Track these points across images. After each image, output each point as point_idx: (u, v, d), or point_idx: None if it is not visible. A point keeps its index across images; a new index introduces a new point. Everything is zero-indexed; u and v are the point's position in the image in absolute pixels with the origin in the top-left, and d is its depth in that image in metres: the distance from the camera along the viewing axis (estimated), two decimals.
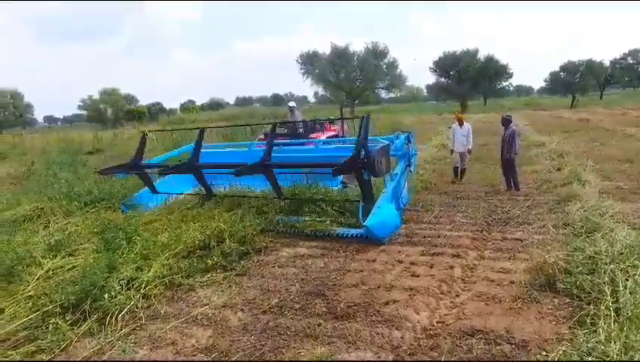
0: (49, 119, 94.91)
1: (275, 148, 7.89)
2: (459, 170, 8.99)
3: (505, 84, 53.94)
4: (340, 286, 4.27)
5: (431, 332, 3.37)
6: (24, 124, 57.21)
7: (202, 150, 7.09)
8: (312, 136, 9.86)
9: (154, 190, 7.23)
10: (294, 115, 11.33)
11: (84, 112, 60.12)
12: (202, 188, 7.02)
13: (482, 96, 55.84)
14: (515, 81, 68.48)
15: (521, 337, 3.19)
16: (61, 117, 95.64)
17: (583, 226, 5.31)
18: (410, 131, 7.18)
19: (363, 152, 5.48)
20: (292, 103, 11.99)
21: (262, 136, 10.07)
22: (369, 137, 5.88)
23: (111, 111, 57.90)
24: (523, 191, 7.87)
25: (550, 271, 3.94)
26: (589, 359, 2.70)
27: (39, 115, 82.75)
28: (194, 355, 3.24)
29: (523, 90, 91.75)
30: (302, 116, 11.77)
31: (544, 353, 2.96)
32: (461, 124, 8.80)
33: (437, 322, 3.52)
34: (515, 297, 3.82)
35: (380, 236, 5.30)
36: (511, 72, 51.17)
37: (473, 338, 3.21)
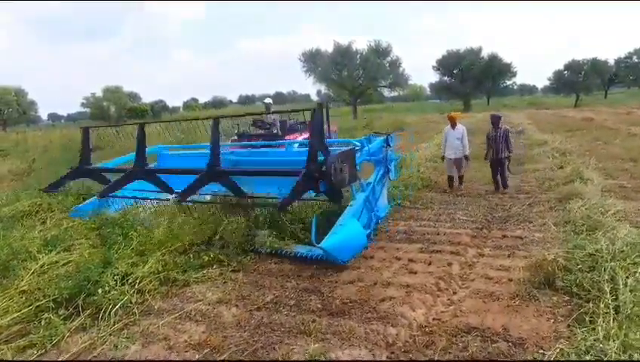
0: (53, 117, 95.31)
1: (241, 150, 7.33)
2: (453, 178, 8.02)
3: (508, 82, 53.76)
4: (336, 283, 4.23)
5: (427, 329, 3.32)
6: (28, 121, 57.39)
7: (166, 153, 6.84)
8: (290, 137, 8.97)
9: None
10: (271, 115, 9.91)
11: (88, 110, 60.27)
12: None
13: (485, 95, 55.64)
14: (518, 80, 68.14)
15: (518, 335, 3.13)
16: (65, 114, 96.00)
17: (584, 224, 5.22)
18: (390, 133, 6.25)
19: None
20: (268, 100, 10.56)
21: (235, 138, 9.24)
22: (334, 140, 5.40)
23: (114, 108, 58.05)
24: (524, 189, 7.79)
25: (549, 268, 3.86)
26: (587, 357, 2.64)
27: (43, 113, 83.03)
28: (186, 351, 3.20)
29: (527, 90, 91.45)
30: (280, 115, 10.42)
31: (541, 351, 2.90)
32: (454, 125, 7.78)
33: (433, 319, 3.47)
34: (513, 295, 3.75)
35: (340, 259, 4.51)
36: (515, 70, 51.00)
37: (469, 336, 3.16)
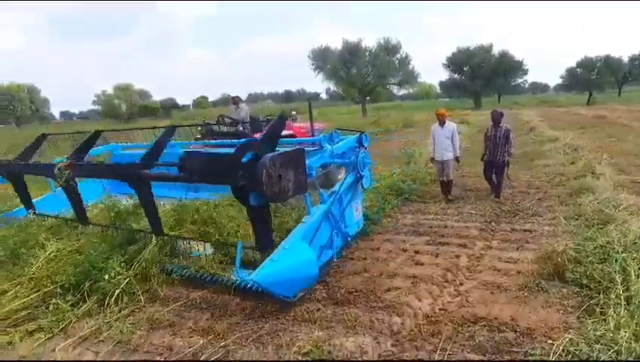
0: (65, 114, 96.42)
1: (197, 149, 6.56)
2: (445, 183, 7.00)
3: (520, 80, 52.94)
4: (342, 273, 4.21)
5: (432, 318, 3.28)
6: (41, 119, 58.14)
7: (119, 152, 6.64)
8: (258, 135, 7.62)
9: (29, 206, 5.60)
10: (240, 110, 9.11)
11: (99, 107, 60.96)
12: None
13: (496, 93, 54.95)
14: (530, 78, 67.18)
15: (527, 325, 3.08)
16: (77, 112, 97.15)
17: (595, 218, 5.14)
18: (364, 131, 5.10)
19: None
20: (237, 94, 9.46)
21: (199, 136, 8.23)
22: (294, 140, 4.85)
23: (125, 106, 58.66)
24: (534, 184, 7.69)
25: (559, 260, 3.80)
26: (597, 346, 2.58)
27: (56, 111, 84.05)
28: (190, 337, 3.21)
29: (538, 88, 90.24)
30: (250, 112, 9.55)
31: (550, 341, 2.84)
32: (442, 123, 6.78)
33: (439, 309, 3.43)
34: (521, 286, 3.70)
35: (278, 294, 3.43)
36: (526, 68, 50.23)
37: (476, 326, 3.12)
